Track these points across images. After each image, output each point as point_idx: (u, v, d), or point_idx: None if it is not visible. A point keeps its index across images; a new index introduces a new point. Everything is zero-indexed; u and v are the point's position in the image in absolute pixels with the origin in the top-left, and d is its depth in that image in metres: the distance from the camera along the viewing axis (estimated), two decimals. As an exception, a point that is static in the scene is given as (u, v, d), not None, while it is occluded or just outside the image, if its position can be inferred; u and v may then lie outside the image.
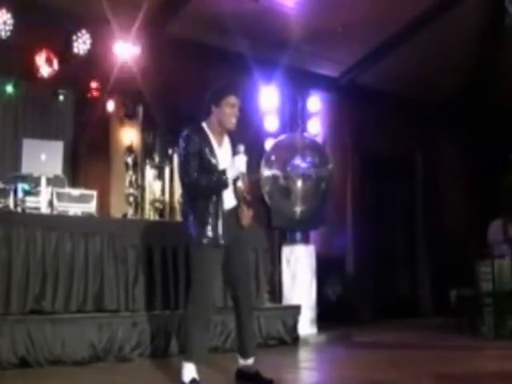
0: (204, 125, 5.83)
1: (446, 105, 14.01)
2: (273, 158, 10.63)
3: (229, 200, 5.79)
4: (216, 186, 5.69)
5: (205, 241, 5.66)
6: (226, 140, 5.91)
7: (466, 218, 13.89)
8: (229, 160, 5.75)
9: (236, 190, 5.78)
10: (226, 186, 5.68)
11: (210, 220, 5.67)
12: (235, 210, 5.82)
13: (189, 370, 5.64)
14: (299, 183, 10.38)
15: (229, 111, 5.78)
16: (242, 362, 6.09)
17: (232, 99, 5.80)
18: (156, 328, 7.61)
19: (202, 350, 5.80)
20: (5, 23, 9.23)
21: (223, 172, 5.66)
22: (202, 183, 5.67)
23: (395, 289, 13.73)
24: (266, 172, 10.52)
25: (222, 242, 5.68)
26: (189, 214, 5.79)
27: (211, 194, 5.70)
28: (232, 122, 5.81)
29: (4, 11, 9.30)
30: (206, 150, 5.71)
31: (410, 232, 14.47)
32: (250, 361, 6.08)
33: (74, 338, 7.17)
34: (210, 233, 5.66)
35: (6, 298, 7.01)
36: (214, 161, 5.71)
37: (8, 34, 9.29)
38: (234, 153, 5.78)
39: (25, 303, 7.15)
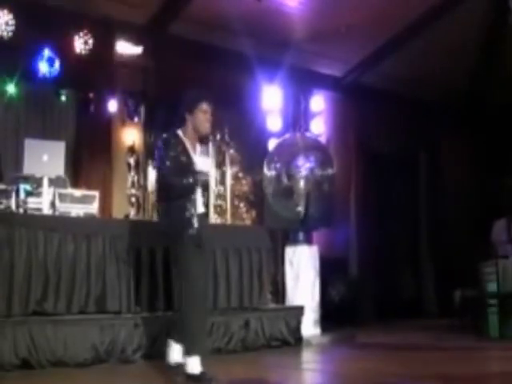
0: (179, 132, 6.09)
1: (449, 104, 13.98)
2: (276, 158, 10.60)
3: (199, 206, 6.05)
4: (190, 187, 5.94)
5: (190, 239, 5.89)
6: (198, 147, 6.19)
7: (470, 219, 13.84)
8: (200, 165, 6.01)
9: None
10: (196, 185, 5.96)
11: (192, 220, 5.91)
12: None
13: (197, 363, 5.83)
14: (302, 183, 10.34)
15: (202, 117, 6.06)
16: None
17: (204, 106, 6.07)
18: (158, 329, 7.55)
19: (204, 343, 6.06)
20: (7, 24, 9.22)
21: (197, 173, 5.94)
22: (178, 184, 5.92)
23: (399, 289, 13.69)
24: (269, 172, 10.49)
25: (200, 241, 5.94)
26: (168, 214, 6.02)
27: (186, 194, 5.94)
28: (206, 127, 6.11)
29: (6, 12, 9.28)
30: (184, 155, 5.98)
31: (414, 232, 14.43)
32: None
33: (76, 340, 7.14)
34: (193, 231, 5.90)
35: (8, 300, 6.98)
36: (191, 163, 5.97)
37: (10, 34, 9.27)
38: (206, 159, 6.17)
39: (27, 305, 7.12)
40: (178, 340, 6.10)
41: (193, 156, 6.03)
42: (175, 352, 6.21)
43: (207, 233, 6.19)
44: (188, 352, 5.91)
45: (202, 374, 5.81)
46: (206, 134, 6.25)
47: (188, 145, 6.07)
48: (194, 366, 5.83)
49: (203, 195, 6.17)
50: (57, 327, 7.08)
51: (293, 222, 10.18)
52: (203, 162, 6.10)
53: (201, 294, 5.97)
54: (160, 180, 6.19)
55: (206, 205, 6.30)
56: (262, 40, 10.83)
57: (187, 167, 5.95)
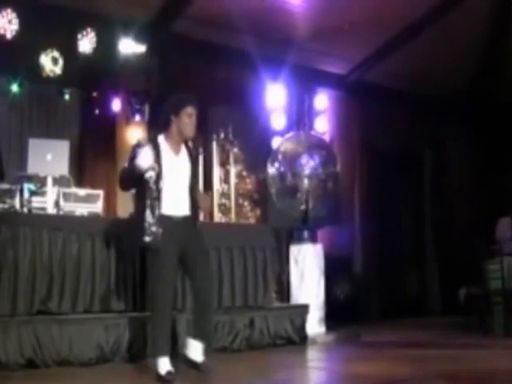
0: (161, 137, 6.22)
1: (454, 101, 13.95)
2: (280, 156, 10.59)
3: (182, 209, 6.20)
4: (130, 171, 6.08)
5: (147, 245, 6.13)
6: (183, 149, 6.30)
7: (474, 216, 13.82)
8: (185, 167, 6.23)
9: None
10: (135, 170, 5.99)
11: (149, 227, 6.06)
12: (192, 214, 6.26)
13: (163, 364, 6.01)
14: (306, 182, 10.33)
15: (187, 121, 6.19)
16: (191, 345, 6.34)
17: (189, 109, 6.21)
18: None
19: (166, 344, 6.16)
20: (10, 23, 9.20)
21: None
22: (122, 174, 6.22)
23: (404, 288, 13.67)
24: (273, 170, 10.49)
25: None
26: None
27: (131, 181, 6.16)
28: (190, 129, 6.23)
29: (9, 11, 9.27)
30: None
31: (419, 230, 14.41)
32: (200, 347, 6.32)
33: (81, 339, 7.12)
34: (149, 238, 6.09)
35: (13, 299, 6.96)
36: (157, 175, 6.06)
37: (13, 33, 9.26)
38: (192, 162, 6.31)
39: (31, 304, 7.10)
40: (196, 337, 6.32)
41: (164, 160, 6.11)
42: (191, 349, 6.34)
43: (191, 234, 6.26)
44: (152, 354, 6.23)
45: (167, 373, 5.97)
46: (190, 137, 6.32)
47: (169, 148, 6.20)
48: (161, 367, 6.01)
49: (192, 201, 6.25)
50: (62, 326, 7.07)
51: (297, 220, 10.17)
52: (182, 164, 6.23)
53: (160, 296, 6.13)
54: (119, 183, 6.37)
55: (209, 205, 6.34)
56: (266, 38, 10.81)
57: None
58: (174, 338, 7.31)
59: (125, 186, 6.41)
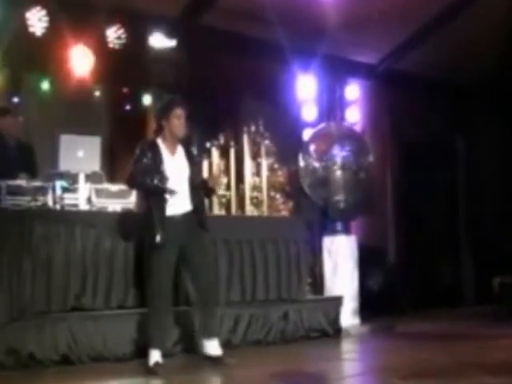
0: (159, 140, 6.63)
1: (486, 89, 13.78)
2: (311, 147, 10.56)
3: (183, 206, 6.59)
4: (154, 189, 6.48)
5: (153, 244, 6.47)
6: (180, 149, 6.71)
7: (508, 205, 13.67)
8: (183, 165, 6.64)
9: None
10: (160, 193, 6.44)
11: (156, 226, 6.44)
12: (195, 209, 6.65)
13: (153, 355, 6.47)
14: (338, 173, 10.29)
15: (177, 122, 6.60)
16: (207, 343, 6.78)
17: (178, 111, 6.61)
18: (197, 323, 7.57)
19: (160, 338, 6.63)
20: (40, 20, 9.24)
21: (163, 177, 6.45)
22: (141, 184, 6.59)
23: (438, 278, 13.54)
24: (305, 162, 10.46)
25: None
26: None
27: (151, 194, 6.54)
28: (181, 130, 6.64)
29: (38, 8, 9.31)
30: (156, 161, 6.50)
31: (452, 220, 14.28)
32: (215, 342, 6.76)
33: (116, 334, 7.19)
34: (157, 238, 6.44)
35: (47, 296, 7.03)
36: (162, 168, 6.50)
37: (43, 31, 9.30)
38: (189, 158, 6.72)
39: (65, 301, 7.17)
40: (205, 334, 6.81)
41: (165, 162, 6.52)
42: (208, 347, 6.75)
43: (191, 231, 6.62)
44: (148, 344, 6.59)
45: (155, 364, 6.44)
46: (181, 137, 6.69)
47: (165, 150, 6.59)
48: (151, 358, 6.47)
49: (195, 193, 6.66)
50: (96, 322, 7.14)
51: (330, 211, 10.13)
52: (179, 162, 6.63)
53: (156, 294, 6.57)
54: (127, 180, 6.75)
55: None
56: (296, 29, 10.74)
57: (157, 172, 6.46)
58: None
59: (134, 188, 7.07)
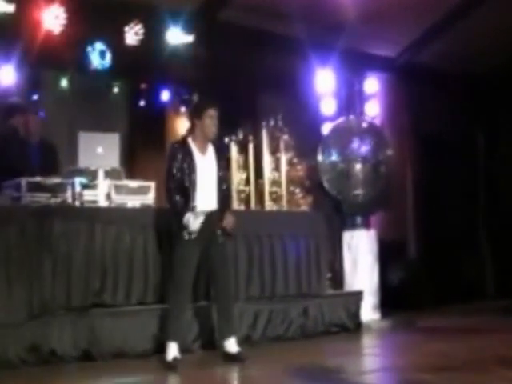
0: (189, 138, 6.80)
1: (507, 82, 13.67)
2: (331, 142, 10.52)
3: (210, 204, 6.73)
4: (177, 211, 6.66)
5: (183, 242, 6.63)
6: (210, 148, 6.86)
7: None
8: (212, 165, 6.81)
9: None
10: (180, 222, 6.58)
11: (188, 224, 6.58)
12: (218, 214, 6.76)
13: (171, 349, 6.54)
14: (358, 167, 10.26)
15: (209, 122, 6.73)
16: (225, 342, 6.84)
17: (211, 112, 6.74)
18: (216, 319, 7.57)
19: (178, 330, 6.74)
20: (57, 18, 9.25)
21: (183, 221, 6.57)
22: (171, 199, 6.70)
23: (458, 272, 13.46)
24: (324, 157, 10.43)
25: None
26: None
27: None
28: (212, 131, 6.78)
29: (56, 5, 9.31)
30: (185, 164, 6.65)
31: (473, 214, 14.19)
32: (233, 340, 6.82)
33: (136, 330, 7.21)
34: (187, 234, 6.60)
35: (67, 293, 7.03)
36: (193, 169, 6.66)
37: (61, 28, 9.31)
38: (219, 157, 6.91)
39: (86, 297, 7.17)
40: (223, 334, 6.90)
41: (198, 161, 6.70)
42: (226, 344, 6.81)
43: (214, 231, 6.74)
44: (166, 338, 6.67)
45: (173, 359, 6.51)
46: (212, 137, 6.83)
47: (196, 149, 6.74)
48: (169, 352, 6.55)
49: (222, 192, 6.84)
50: (116, 318, 7.17)
51: (349, 206, 10.10)
52: (209, 162, 6.79)
53: (179, 287, 6.67)
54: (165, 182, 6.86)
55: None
56: (314, 23, 10.70)
57: (186, 177, 6.64)
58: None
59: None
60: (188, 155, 6.69)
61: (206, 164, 6.77)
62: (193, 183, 6.65)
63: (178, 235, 6.65)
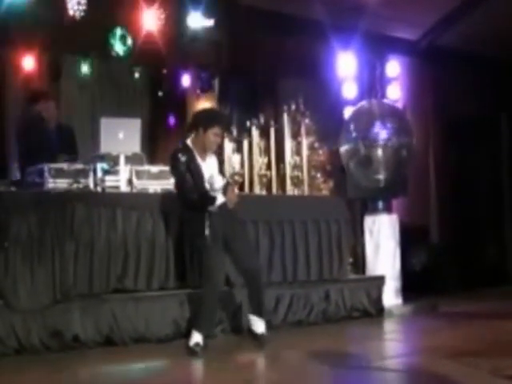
0: (189, 142, 6.79)
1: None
2: (352, 126, 10.46)
3: (219, 198, 6.66)
4: (207, 202, 6.62)
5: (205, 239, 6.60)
6: (211, 158, 6.88)
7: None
8: (212, 172, 6.75)
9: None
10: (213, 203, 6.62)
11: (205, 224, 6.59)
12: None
13: (195, 336, 6.57)
14: (380, 151, 10.19)
15: (213, 139, 6.73)
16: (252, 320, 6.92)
17: (217, 130, 6.74)
18: (238, 304, 7.59)
19: (210, 323, 6.81)
20: (79, 3, 9.24)
21: (213, 198, 6.61)
22: (198, 199, 6.64)
23: (482, 256, 13.39)
24: (346, 141, 10.37)
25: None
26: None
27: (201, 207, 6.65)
28: (213, 148, 6.83)
29: (78, -9, 9.32)
30: (192, 166, 6.65)
31: (496, 197, 14.09)
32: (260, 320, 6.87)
33: (157, 316, 7.25)
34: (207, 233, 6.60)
35: (89, 278, 7.07)
36: (200, 174, 6.67)
37: (82, 14, 9.30)
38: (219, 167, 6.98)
39: (108, 282, 7.21)
40: (253, 313, 6.89)
41: (201, 166, 6.71)
42: (253, 323, 6.86)
43: (227, 219, 6.74)
44: (194, 326, 6.69)
45: (195, 344, 6.54)
46: (210, 152, 6.84)
47: (196, 155, 6.72)
48: (193, 338, 6.57)
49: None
50: (138, 304, 7.20)
51: (371, 190, 10.05)
52: (210, 168, 6.80)
53: (213, 282, 6.65)
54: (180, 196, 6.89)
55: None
56: (336, 6, 10.63)
57: (197, 178, 6.65)
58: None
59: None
60: (192, 161, 6.68)
61: (207, 169, 6.77)
62: (202, 184, 6.68)
63: (200, 235, 6.59)
